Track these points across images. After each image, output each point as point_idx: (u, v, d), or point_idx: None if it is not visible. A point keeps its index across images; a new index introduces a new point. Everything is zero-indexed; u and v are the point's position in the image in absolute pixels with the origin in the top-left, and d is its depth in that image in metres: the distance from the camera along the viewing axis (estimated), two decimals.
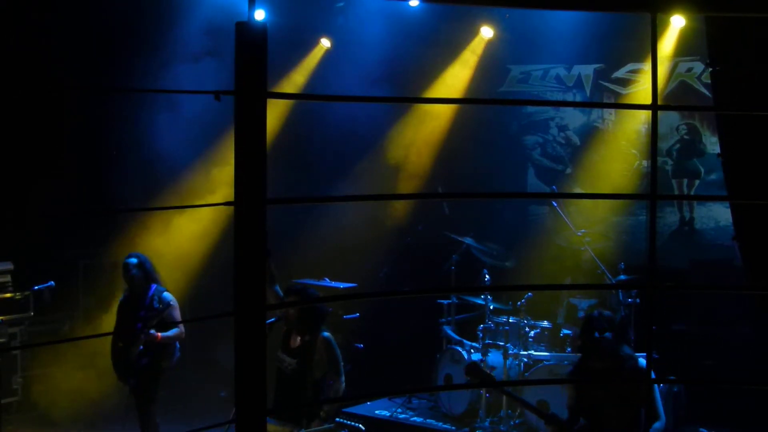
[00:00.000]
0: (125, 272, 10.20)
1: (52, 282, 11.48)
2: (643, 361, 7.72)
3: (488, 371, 8.81)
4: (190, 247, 13.44)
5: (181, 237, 13.44)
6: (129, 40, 12.80)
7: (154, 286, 10.17)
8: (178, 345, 10.31)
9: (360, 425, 9.30)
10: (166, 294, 10.18)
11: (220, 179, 13.45)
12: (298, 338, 9.10)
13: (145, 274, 10.19)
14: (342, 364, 9.09)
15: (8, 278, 11.95)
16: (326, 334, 9.10)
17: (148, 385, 10.11)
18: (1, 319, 11.67)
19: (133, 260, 10.21)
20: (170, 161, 13.32)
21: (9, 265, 11.97)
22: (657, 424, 7.49)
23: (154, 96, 13.24)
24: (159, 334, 9.92)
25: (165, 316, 10.05)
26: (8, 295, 11.84)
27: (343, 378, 9.06)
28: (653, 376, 7.70)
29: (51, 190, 12.12)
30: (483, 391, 11.61)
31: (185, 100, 12.97)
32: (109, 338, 10.32)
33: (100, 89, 13.53)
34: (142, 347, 9.94)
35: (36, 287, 11.52)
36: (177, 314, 10.19)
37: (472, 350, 12.03)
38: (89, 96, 12.98)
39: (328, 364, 8.99)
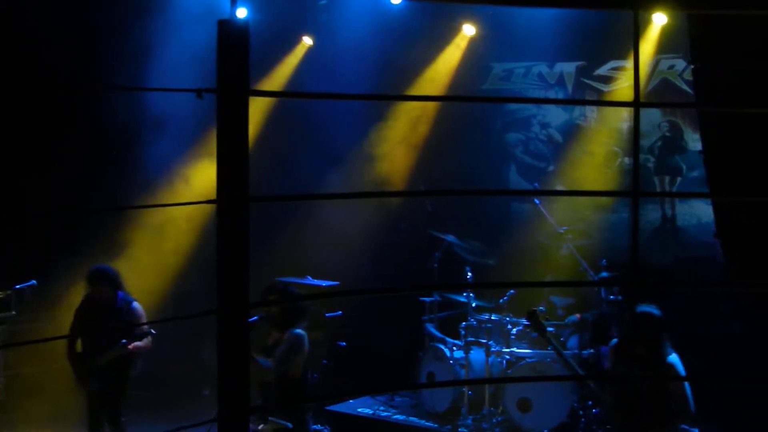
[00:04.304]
0: (92, 283, 9.98)
1: (34, 281, 11.44)
2: (672, 358, 8.06)
3: (545, 324, 8.94)
4: (173, 244, 13.42)
5: (163, 234, 13.42)
6: (109, 38, 12.76)
7: (122, 295, 10.06)
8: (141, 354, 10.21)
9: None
10: (135, 304, 10.00)
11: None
12: (276, 336, 9.14)
13: (112, 286, 10.00)
14: (288, 357, 9.04)
15: None
16: (297, 331, 9.11)
17: (116, 395, 10.01)
18: None
19: (99, 272, 10.04)
20: (153, 159, 13.31)
21: None
22: (682, 416, 7.96)
23: (138, 95, 13.23)
24: (132, 344, 9.81)
25: (134, 325, 9.96)
26: None
27: (273, 365, 9.01)
28: (683, 373, 8.09)
29: (31, 189, 12.08)
30: (466, 389, 11.63)
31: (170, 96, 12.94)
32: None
33: (77, 87, 13.49)
34: (114, 358, 9.83)
35: (18, 286, 11.48)
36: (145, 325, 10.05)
37: (454, 348, 12.04)
38: (75, 95, 12.95)
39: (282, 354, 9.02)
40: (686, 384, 8.00)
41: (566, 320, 11.91)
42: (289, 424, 8.90)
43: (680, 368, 8.05)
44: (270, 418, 8.88)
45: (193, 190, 13.46)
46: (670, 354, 8.08)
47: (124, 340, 9.71)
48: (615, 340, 8.58)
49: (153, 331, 9.89)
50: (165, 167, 13.50)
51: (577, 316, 11.79)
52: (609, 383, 8.78)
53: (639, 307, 8.77)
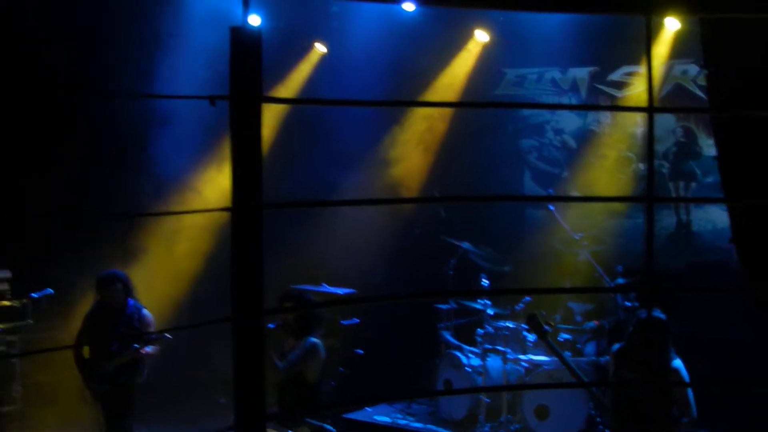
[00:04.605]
0: (105, 287, 10.04)
1: (51, 290, 11.47)
2: (676, 363, 8.09)
3: (546, 327, 8.84)
4: (187, 251, 13.44)
5: (177, 241, 13.45)
6: (121, 43, 12.79)
7: (132, 302, 10.07)
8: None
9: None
10: (145, 311, 10.02)
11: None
12: (292, 343, 9.15)
13: (124, 290, 10.06)
14: (301, 362, 9.04)
15: (6, 286, 11.95)
16: (313, 339, 9.12)
17: (124, 401, 10.01)
18: (1, 327, 11.66)
19: (111, 277, 10.09)
20: (168, 166, 13.33)
21: (7, 273, 11.97)
22: (685, 420, 7.94)
23: (153, 101, 13.27)
24: (145, 350, 9.83)
25: (144, 333, 9.97)
26: (7, 303, 11.83)
27: (284, 367, 9.01)
28: (687, 378, 8.10)
29: (47, 195, 12.11)
30: (483, 396, 11.61)
31: (184, 104, 12.98)
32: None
33: (88, 93, 13.51)
34: (123, 364, 9.83)
35: (34, 294, 11.51)
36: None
37: (471, 355, 12.03)
38: (88, 100, 13.00)
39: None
40: (689, 389, 8.07)
41: (584, 326, 11.90)
42: (330, 427, 8.94)
43: (684, 373, 8.07)
44: (307, 419, 8.91)
45: (205, 196, 13.49)
46: (674, 359, 8.09)
47: (136, 345, 9.73)
48: (617, 345, 8.56)
49: (168, 335, 9.92)
50: (177, 172, 13.52)
51: (595, 322, 11.78)
52: (609, 388, 8.80)
53: (644, 312, 8.79)
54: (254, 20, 12.31)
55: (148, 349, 9.87)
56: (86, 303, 10.49)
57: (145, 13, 12.79)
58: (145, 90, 12.99)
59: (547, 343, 8.79)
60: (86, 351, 10.00)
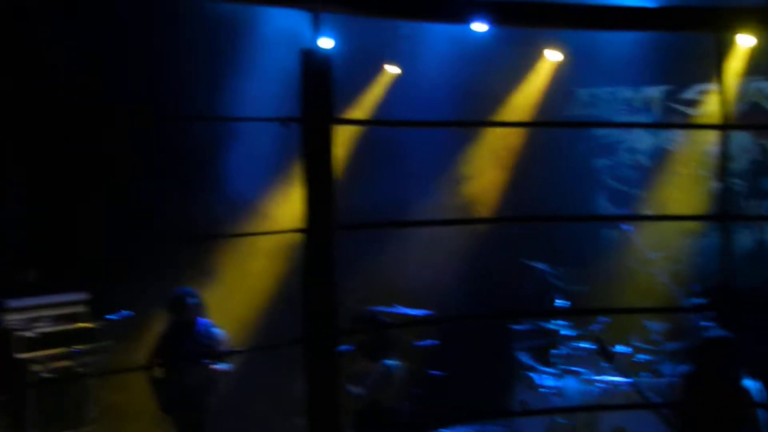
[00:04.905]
0: (176, 306, 10.19)
1: (129, 311, 11.59)
2: (748, 383, 7.97)
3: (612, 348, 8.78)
4: (263, 271, 13.50)
5: (251, 262, 13.51)
6: (191, 64, 12.92)
7: (202, 321, 10.14)
8: None
9: None
10: (216, 329, 10.12)
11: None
12: (365, 365, 9.12)
13: (194, 308, 10.17)
14: (379, 387, 9.01)
15: (85, 308, 12.08)
16: (389, 362, 9.09)
17: (198, 421, 10.07)
18: (79, 349, 11.80)
19: (181, 295, 10.20)
20: (240, 185, 13.42)
21: (84, 295, 12.10)
22: None
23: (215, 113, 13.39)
24: (218, 368, 9.90)
25: (215, 351, 10.04)
26: (84, 324, 11.97)
27: (363, 394, 8.98)
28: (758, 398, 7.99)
29: (120, 217, 12.26)
30: (559, 418, 11.51)
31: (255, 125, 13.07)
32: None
33: (160, 118, 13.67)
34: (195, 383, 9.91)
35: (113, 316, 11.64)
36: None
37: (547, 376, 11.95)
38: (158, 123, 13.16)
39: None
40: (758, 413, 7.85)
41: (661, 347, 11.77)
42: None
43: (755, 393, 7.93)
44: None
45: (278, 215, 13.56)
46: (745, 379, 7.95)
47: (208, 362, 9.80)
48: (686, 366, 8.45)
49: (238, 349, 9.98)
50: (248, 191, 13.61)
51: (672, 343, 11.65)
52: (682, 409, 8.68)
53: (711, 331, 8.68)
54: (326, 43, 12.40)
55: (221, 366, 9.93)
56: (160, 323, 10.60)
57: (217, 32, 12.93)
58: (216, 106, 13.10)
59: (612, 364, 8.74)
60: (158, 370, 10.10)
